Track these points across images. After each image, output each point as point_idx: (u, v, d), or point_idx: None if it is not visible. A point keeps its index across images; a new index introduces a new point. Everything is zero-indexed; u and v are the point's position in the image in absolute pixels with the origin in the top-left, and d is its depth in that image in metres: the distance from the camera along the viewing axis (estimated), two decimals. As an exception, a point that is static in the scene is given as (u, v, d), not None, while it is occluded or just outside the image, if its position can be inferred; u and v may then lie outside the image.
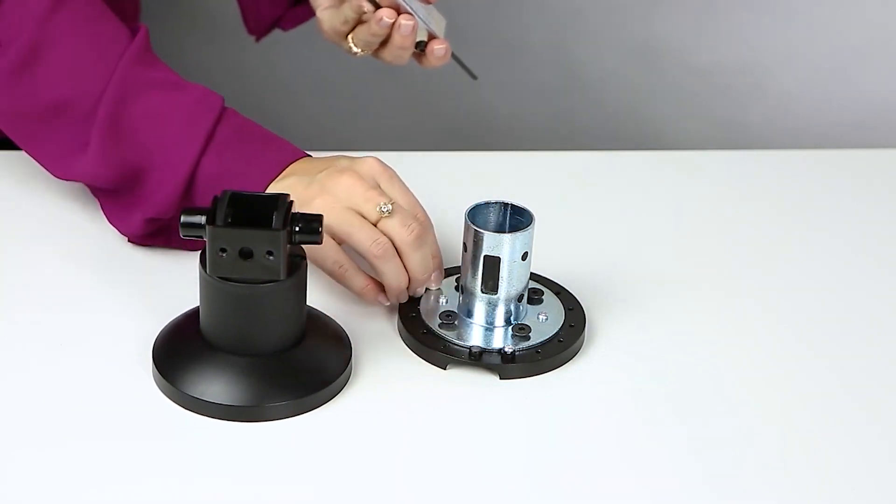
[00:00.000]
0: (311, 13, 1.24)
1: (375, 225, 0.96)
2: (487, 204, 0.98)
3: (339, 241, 0.97)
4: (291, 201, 0.89)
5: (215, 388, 0.90)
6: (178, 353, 0.92)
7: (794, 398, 0.95)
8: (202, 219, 0.88)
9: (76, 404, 0.90)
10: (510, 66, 1.77)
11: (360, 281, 0.98)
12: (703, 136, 1.76)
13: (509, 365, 0.95)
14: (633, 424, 0.92)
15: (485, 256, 0.95)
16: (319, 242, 0.89)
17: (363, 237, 0.96)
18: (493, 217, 0.98)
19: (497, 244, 0.95)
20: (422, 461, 0.88)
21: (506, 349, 0.95)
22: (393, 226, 0.96)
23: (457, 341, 0.96)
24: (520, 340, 0.96)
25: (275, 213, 0.88)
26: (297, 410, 0.90)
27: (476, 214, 0.97)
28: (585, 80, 1.77)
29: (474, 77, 1.16)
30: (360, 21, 1.12)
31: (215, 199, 0.89)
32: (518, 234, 0.95)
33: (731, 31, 1.70)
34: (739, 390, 0.96)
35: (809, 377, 0.97)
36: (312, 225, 0.89)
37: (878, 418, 0.94)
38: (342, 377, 0.93)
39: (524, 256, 0.95)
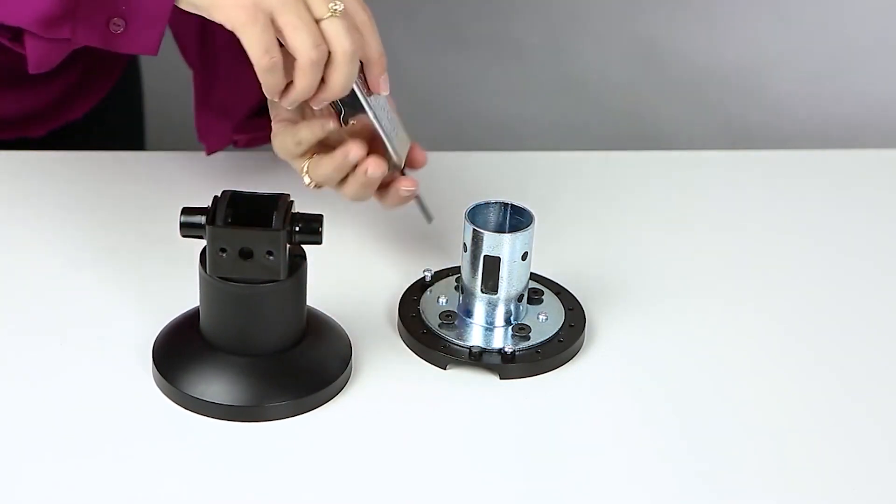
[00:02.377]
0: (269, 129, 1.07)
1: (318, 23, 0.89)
2: (487, 204, 0.98)
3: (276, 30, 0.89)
4: (292, 201, 0.89)
5: (215, 388, 0.90)
6: (178, 353, 0.92)
7: (794, 398, 0.95)
8: (202, 219, 0.88)
9: (76, 404, 0.90)
10: (510, 66, 1.77)
11: (280, 80, 0.91)
12: (703, 136, 1.76)
13: (509, 365, 0.95)
14: (633, 424, 0.92)
15: (485, 256, 0.95)
16: (319, 242, 0.89)
17: (306, 37, 0.88)
18: (493, 217, 0.98)
19: (497, 244, 0.95)
20: (422, 461, 0.88)
21: (506, 349, 0.95)
22: (337, 30, 0.89)
23: (457, 341, 0.96)
24: (520, 340, 0.96)
25: (275, 213, 0.88)
26: (297, 410, 0.90)
27: (476, 214, 0.96)
28: (585, 80, 1.77)
29: (430, 219, 1.04)
30: (318, 149, 0.99)
31: (215, 199, 0.89)
32: (518, 234, 0.95)
33: (731, 31, 1.70)
34: (739, 390, 0.96)
35: (809, 377, 0.97)
36: (313, 225, 0.89)
37: (878, 419, 0.94)
38: (342, 377, 0.93)
39: (524, 256, 0.95)
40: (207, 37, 1.09)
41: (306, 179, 0.99)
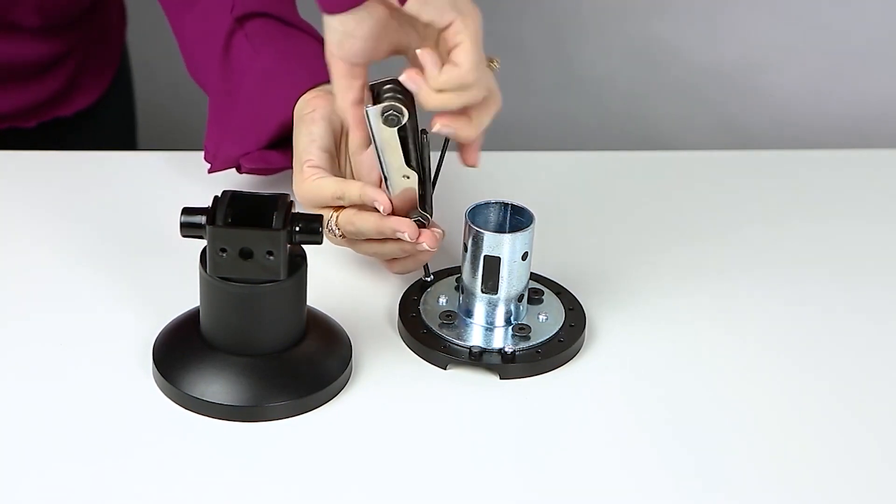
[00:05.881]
0: (278, 164, 1.07)
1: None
2: (487, 204, 0.98)
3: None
4: (292, 201, 0.89)
5: (215, 388, 0.90)
6: (178, 353, 0.92)
7: (794, 398, 0.95)
8: (202, 219, 0.88)
9: (76, 404, 0.90)
10: (510, 66, 1.77)
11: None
12: (703, 136, 1.76)
13: (509, 365, 0.95)
14: (633, 424, 0.92)
15: (485, 256, 0.95)
16: (319, 242, 0.89)
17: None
18: (493, 217, 0.98)
19: (497, 244, 0.95)
20: (422, 461, 0.88)
21: (506, 349, 0.95)
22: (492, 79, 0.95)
23: (457, 341, 0.96)
24: (520, 340, 0.96)
25: (275, 214, 0.88)
26: (297, 410, 0.90)
27: (476, 214, 0.96)
28: (585, 80, 1.77)
29: (429, 275, 1.02)
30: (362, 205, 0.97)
31: (215, 200, 0.89)
32: (518, 234, 0.95)
33: (731, 31, 1.70)
34: (739, 391, 0.96)
35: (809, 376, 0.97)
36: (313, 225, 0.89)
37: (877, 422, 0.94)
38: (342, 377, 0.93)
39: (524, 256, 0.95)
40: (230, 61, 1.08)
41: (336, 231, 0.98)
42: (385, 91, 0.95)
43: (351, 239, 0.99)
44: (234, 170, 1.08)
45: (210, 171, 1.09)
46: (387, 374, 0.95)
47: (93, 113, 1.35)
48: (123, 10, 1.41)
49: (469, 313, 0.98)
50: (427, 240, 0.96)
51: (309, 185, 0.98)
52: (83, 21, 1.31)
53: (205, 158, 1.10)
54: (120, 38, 1.41)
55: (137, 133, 1.50)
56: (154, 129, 1.71)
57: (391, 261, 1.01)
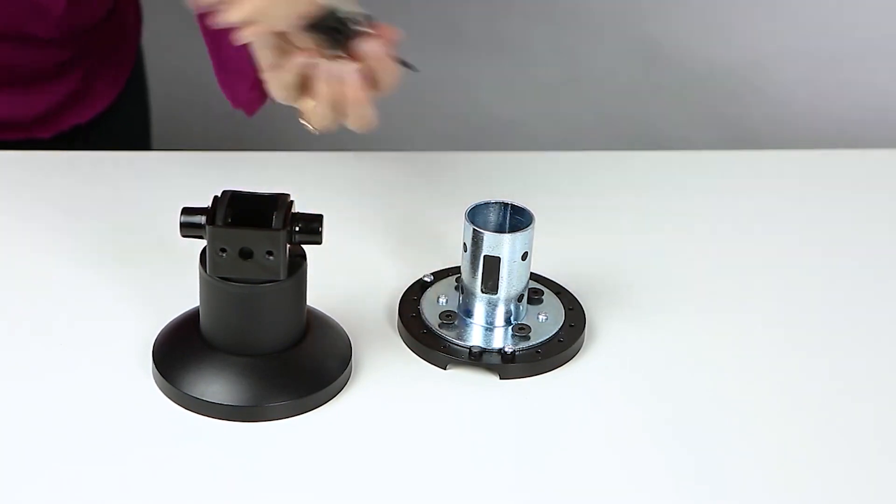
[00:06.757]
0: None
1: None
2: (487, 204, 0.98)
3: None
4: (292, 201, 0.89)
5: (215, 388, 0.90)
6: (178, 353, 0.92)
7: (794, 397, 0.95)
8: (202, 219, 0.88)
9: (76, 404, 0.90)
10: (510, 66, 1.77)
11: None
12: (703, 136, 1.76)
13: (509, 365, 0.95)
14: (633, 424, 0.92)
15: (485, 256, 0.95)
16: (319, 242, 0.89)
17: None
18: (493, 217, 0.98)
19: (497, 244, 0.95)
20: (422, 461, 0.88)
21: (506, 349, 0.95)
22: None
23: (457, 341, 0.96)
24: (520, 340, 0.96)
25: (275, 213, 0.88)
26: (297, 410, 0.90)
27: (476, 214, 0.97)
28: (585, 80, 1.77)
29: (415, 70, 0.99)
30: (305, 89, 0.97)
31: (215, 200, 0.89)
32: (518, 234, 0.95)
33: (731, 31, 1.70)
34: (739, 390, 0.96)
35: (809, 375, 0.97)
36: (313, 225, 0.89)
37: (877, 423, 0.94)
38: (342, 377, 0.93)
39: (524, 256, 0.95)
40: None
41: (310, 128, 0.97)
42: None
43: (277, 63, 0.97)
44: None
45: (249, 115, 1.09)
46: (387, 374, 0.95)
47: (107, 116, 1.35)
48: (139, 13, 1.41)
49: (469, 313, 0.98)
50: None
51: (270, 87, 0.97)
52: (98, 27, 1.31)
53: (233, 106, 1.09)
54: (135, 40, 1.40)
55: (152, 136, 1.50)
56: (169, 132, 1.71)
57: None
